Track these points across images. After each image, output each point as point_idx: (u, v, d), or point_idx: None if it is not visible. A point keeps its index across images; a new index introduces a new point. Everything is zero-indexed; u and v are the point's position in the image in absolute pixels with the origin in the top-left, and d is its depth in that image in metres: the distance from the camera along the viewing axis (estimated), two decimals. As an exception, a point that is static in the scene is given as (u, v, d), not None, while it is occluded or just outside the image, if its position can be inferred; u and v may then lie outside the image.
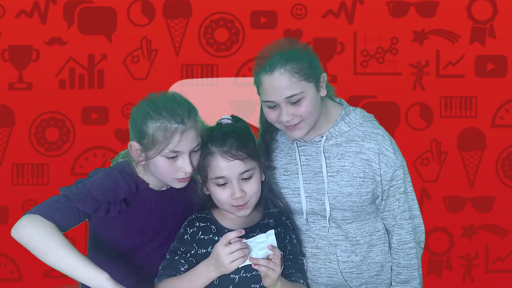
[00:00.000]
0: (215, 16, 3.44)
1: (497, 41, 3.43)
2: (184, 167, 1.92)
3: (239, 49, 3.43)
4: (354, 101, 3.33)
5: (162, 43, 3.43)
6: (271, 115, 2.02)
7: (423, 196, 3.44)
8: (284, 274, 1.98)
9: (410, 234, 2.10)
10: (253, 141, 2.03)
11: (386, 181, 2.07)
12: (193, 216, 2.03)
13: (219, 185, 1.96)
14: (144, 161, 1.96)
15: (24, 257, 3.39)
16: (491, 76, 3.44)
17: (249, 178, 1.97)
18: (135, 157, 1.98)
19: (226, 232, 1.95)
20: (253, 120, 3.24)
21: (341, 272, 2.09)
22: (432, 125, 3.45)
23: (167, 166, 1.93)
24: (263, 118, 2.13)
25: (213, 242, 1.95)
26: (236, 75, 3.42)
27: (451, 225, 3.47)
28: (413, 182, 3.30)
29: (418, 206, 2.15)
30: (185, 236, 1.98)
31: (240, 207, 1.97)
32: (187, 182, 1.99)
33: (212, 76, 3.43)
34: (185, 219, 2.04)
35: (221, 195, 1.96)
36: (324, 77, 2.04)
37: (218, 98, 3.40)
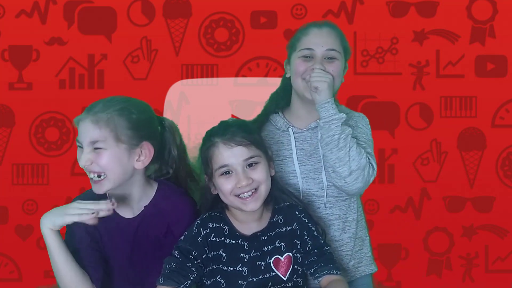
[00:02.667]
0: (215, 16, 3.44)
1: (497, 41, 3.43)
2: (78, 159, 1.90)
3: (239, 49, 3.43)
4: (354, 101, 3.35)
5: (162, 43, 3.43)
6: (301, 66, 2.13)
7: (423, 196, 3.44)
8: (315, 269, 1.96)
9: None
10: (258, 133, 2.01)
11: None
12: (207, 214, 1.96)
13: (224, 175, 1.91)
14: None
15: (24, 257, 3.40)
16: (491, 76, 3.43)
17: (255, 166, 1.92)
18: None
19: (237, 236, 1.94)
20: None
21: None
22: (432, 125, 3.45)
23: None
24: (268, 104, 2.27)
25: (224, 245, 1.93)
26: (236, 75, 3.41)
27: (451, 225, 3.46)
28: (413, 182, 3.32)
29: (372, 151, 2.17)
30: (199, 239, 1.92)
31: (247, 199, 1.91)
32: (101, 188, 1.92)
33: (212, 76, 3.43)
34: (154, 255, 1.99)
35: (226, 186, 1.91)
36: (346, 68, 2.21)
37: (218, 98, 3.40)
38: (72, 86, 3.42)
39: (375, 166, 2.11)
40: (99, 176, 1.90)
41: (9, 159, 3.42)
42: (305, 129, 2.19)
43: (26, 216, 3.34)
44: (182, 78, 3.43)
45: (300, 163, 2.16)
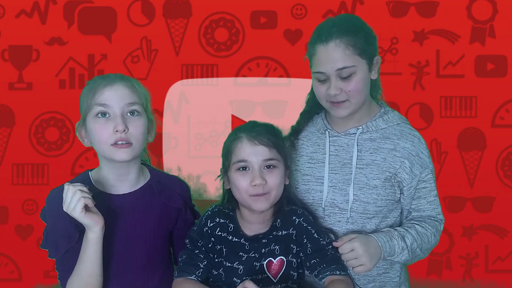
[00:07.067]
0: (215, 16, 3.44)
1: (497, 41, 3.43)
2: (116, 126, 1.84)
3: (239, 49, 3.43)
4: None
5: (162, 43, 3.43)
6: (320, 89, 2.01)
7: (423, 196, 3.44)
8: (318, 271, 1.95)
9: (435, 235, 2.14)
10: (282, 140, 2.00)
11: (420, 181, 2.05)
12: (216, 209, 1.99)
13: (240, 170, 1.91)
14: (89, 141, 1.90)
15: (24, 257, 3.40)
16: (491, 76, 3.44)
17: (273, 169, 1.92)
18: (82, 141, 1.94)
19: (240, 235, 1.95)
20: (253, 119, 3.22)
21: (348, 270, 2.07)
22: (432, 125, 3.45)
23: (98, 127, 1.86)
24: (309, 98, 2.15)
25: (227, 241, 1.95)
26: (236, 75, 3.41)
27: (451, 225, 3.46)
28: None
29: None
30: (205, 229, 1.96)
31: (258, 197, 1.90)
32: (129, 153, 1.87)
33: (212, 76, 3.43)
34: (164, 220, 2.00)
35: (241, 181, 1.91)
36: (377, 59, 2.04)
37: (218, 98, 3.40)
38: (72, 86, 3.43)
39: (441, 226, 2.17)
40: (128, 143, 1.87)
41: (9, 159, 3.43)
42: (342, 133, 2.09)
43: (26, 216, 3.34)
44: (182, 78, 3.43)
45: (332, 170, 2.06)
